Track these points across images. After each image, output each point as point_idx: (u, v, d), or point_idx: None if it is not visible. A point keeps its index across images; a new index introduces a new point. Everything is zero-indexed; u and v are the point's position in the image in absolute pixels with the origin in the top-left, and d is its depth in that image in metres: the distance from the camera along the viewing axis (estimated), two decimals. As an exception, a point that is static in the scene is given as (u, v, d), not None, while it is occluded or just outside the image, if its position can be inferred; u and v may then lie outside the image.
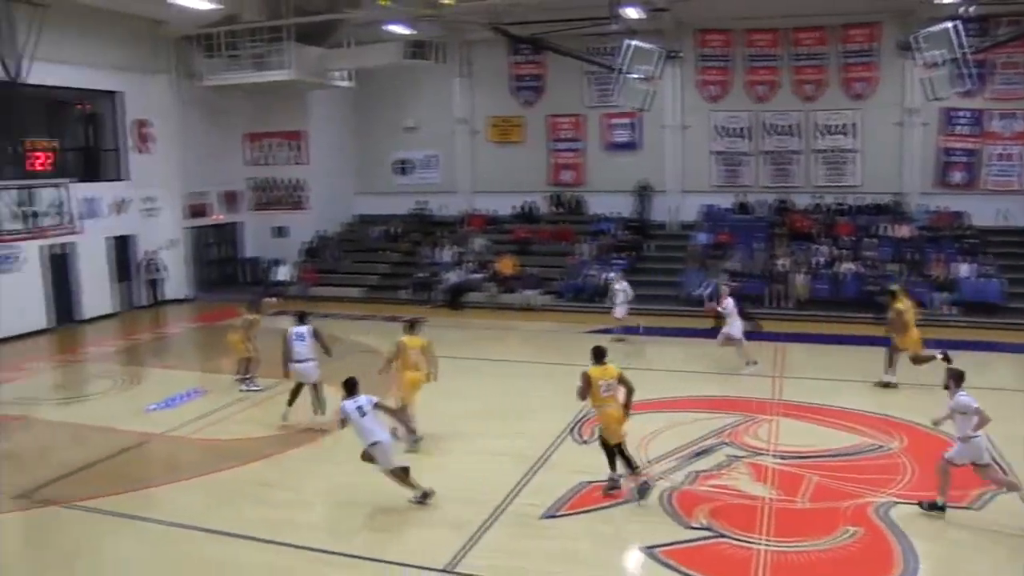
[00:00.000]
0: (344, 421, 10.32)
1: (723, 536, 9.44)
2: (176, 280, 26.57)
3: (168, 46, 25.58)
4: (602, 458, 10.78)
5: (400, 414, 11.89)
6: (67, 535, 10.11)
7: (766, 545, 9.22)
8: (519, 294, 23.47)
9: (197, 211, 27.70)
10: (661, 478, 11.07)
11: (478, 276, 25.13)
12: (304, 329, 13.90)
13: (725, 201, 26.84)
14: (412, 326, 13.26)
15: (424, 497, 10.37)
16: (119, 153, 25.00)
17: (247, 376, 16.03)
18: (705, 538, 9.45)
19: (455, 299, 24.27)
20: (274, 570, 9.04)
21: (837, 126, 25.92)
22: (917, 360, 14.84)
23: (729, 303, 17.00)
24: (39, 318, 22.06)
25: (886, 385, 15.23)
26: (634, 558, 9.29)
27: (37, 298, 22.05)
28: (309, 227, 29.29)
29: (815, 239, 24.38)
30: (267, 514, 10.39)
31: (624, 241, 25.81)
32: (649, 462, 11.54)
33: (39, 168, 20.84)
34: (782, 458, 11.83)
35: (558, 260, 25.72)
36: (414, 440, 12.45)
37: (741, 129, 26.62)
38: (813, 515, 10.03)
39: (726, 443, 12.46)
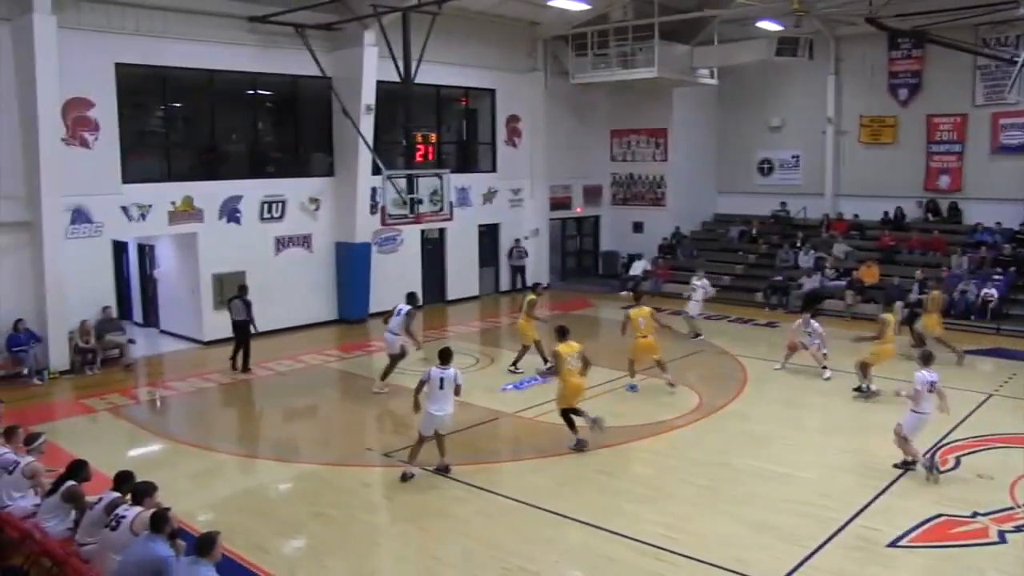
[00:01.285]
0: (423, 382, 11.23)
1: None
2: (536, 269, 27.80)
3: (540, 46, 26.80)
4: (961, 492, 10.24)
5: None
6: (419, 494, 10.93)
7: None
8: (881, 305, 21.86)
9: (559, 203, 28.81)
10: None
11: (837, 283, 23.82)
12: (403, 307, 15.75)
13: None
14: (637, 299, 16.70)
15: (407, 477, 11.20)
16: (492, 146, 26.62)
17: (548, 365, 16.30)
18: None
19: (809, 305, 23.09)
20: (602, 557, 9.12)
21: None
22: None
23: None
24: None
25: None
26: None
27: (413, 278, 24.17)
28: (667, 224, 29.31)
29: None
30: (601, 501, 10.54)
31: (1006, 255, 23.13)
32: (1020, 505, 10.21)
33: (422, 159, 22.80)
34: None
35: (928, 272, 23.67)
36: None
37: None
38: None
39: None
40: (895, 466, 11.33)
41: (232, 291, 18.10)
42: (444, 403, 11.13)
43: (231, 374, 17.32)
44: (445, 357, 11.35)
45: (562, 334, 12.75)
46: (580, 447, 12.23)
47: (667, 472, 11.61)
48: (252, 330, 17.57)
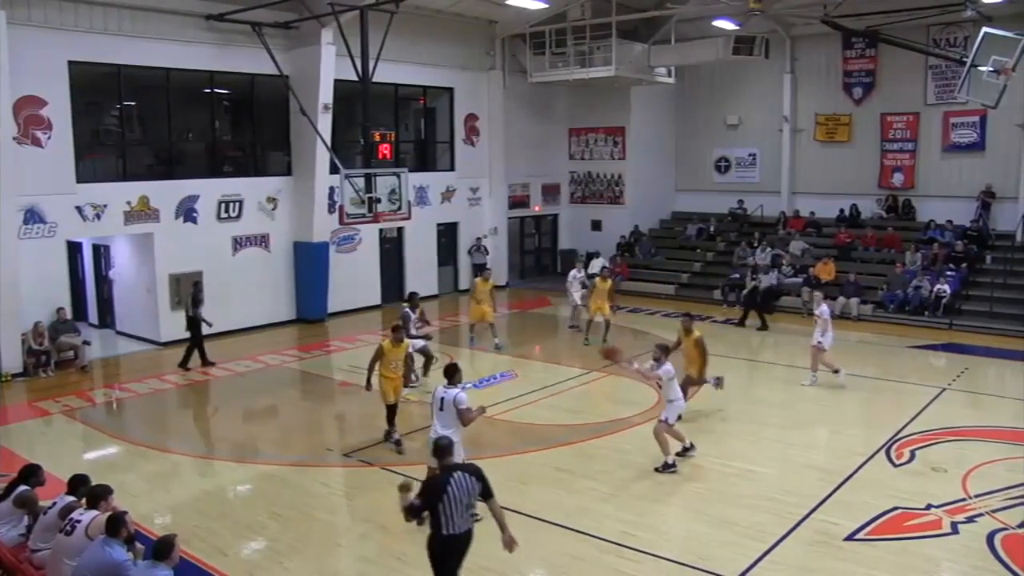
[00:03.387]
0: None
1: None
2: (494, 267, 27.75)
3: (498, 45, 26.83)
4: (916, 486, 10.42)
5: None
6: (380, 494, 10.87)
7: None
8: (837, 301, 22.17)
9: (518, 201, 28.84)
10: (988, 515, 9.92)
11: (794, 280, 24.08)
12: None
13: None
14: (482, 270, 20.78)
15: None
16: (450, 145, 26.57)
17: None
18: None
19: (768, 303, 23.41)
20: (564, 555, 9.17)
21: None
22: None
23: (824, 310, 15.71)
24: (372, 295, 24.13)
25: None
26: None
27: (371, 277, 24.10)
28: (625, 222, 29.43)
29: None
30: (562, 500, 10.58)
31: (958, 252, 23.52)
32: (975, 496, 10.40)
33: (380, 158, 22.66)
34: None
35: (882, 268, 24.04)
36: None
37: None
38: None
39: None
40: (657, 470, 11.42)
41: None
42: (441, 425, 9.60)
43: (186, 374, 17.32)
44: (449, 375, 10.02)
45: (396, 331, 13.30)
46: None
47: (628, 469, 11.66)
48: (194, 327, 17.63)
